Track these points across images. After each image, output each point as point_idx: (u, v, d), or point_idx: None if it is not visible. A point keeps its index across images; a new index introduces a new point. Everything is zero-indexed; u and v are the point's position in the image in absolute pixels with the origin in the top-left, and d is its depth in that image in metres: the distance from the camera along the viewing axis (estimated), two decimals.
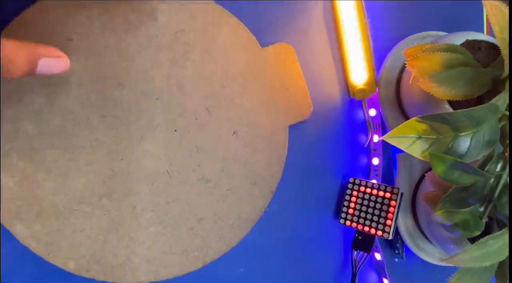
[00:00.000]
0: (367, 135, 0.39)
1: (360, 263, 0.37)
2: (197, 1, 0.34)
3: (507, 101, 0.27)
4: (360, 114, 0.40)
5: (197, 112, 0.34)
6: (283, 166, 0.36)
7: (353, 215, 0.37)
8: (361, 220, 0.36)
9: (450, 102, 0.31)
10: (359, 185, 0.37)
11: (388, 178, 0.40)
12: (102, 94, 0.32)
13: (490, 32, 0.34)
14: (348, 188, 0.37)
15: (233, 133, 0.34)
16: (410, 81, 0.34)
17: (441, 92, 0.28)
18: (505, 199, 0.28)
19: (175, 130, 0.33)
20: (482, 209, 0.28)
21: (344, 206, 0.37)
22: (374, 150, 0.39)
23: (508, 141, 0.28)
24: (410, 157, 0.27)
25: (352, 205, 0.37)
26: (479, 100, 0.30)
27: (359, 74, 0.38)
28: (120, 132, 0.32)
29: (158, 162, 0.33)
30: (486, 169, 0.28)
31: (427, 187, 0.37)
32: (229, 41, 0.34)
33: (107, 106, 0.32)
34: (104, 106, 0.32)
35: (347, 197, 0.37)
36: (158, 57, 0.33)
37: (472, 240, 0.30)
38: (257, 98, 0.35)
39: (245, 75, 0.35)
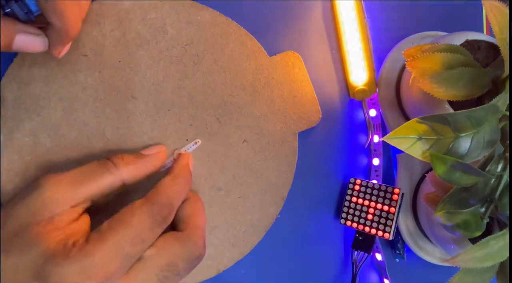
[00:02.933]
0: (367, 136, 0.39)
1: (360, 264, 0.37)
2: (203, 13, 0.34)
3: (508, 101, 0.27)
4: (360, 115, 0.40)
5: (207, 122, 0.34)
6: (294, 173, 0.36)
7: (353, 215, 0.37)
8: (362, 220, 0.36)
9: (451, 103, 0.31)
10: (360, 185, 0.37)
11: (388, 179, 0.40)
12: (116, 107, 0.33)
13: (490, 32, 0.34)
14: (348, 188, 0.37)
15: (243, 141, 0.35)
16: (410, 82, 0.34)
17: (442, 92, 0.28)
18: (506, 199, 0.28)
19: (187, 140, 0.34)
20: (483, 209, 0.28)
21: (344, 206, 0.37)
22: (375, 150, 0.39)
23: (508, 142, 0.28)
24: (411, 157, 0.27)
25: (352, 205, 0.37)
26: (480, 101, 0.30)
27: (359, 74, 0.38)
28: (133, 143, 0.33)
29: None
30: (486, 169, 0.28)
31: (427, 188, 0.37)
32: (237, 51, 0.35)
33: (121, 118, 0.33)
34: (118, 118, 0.33)
35: (347, 197, 0.37)
36: (169, 69, 0.34)
37: (473, 240, 0.30)
38: (266, 106, 0.35)
39: (254, 84, 0.35)
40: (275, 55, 0.36)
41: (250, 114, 0.35)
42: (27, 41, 0.27)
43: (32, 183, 0.26)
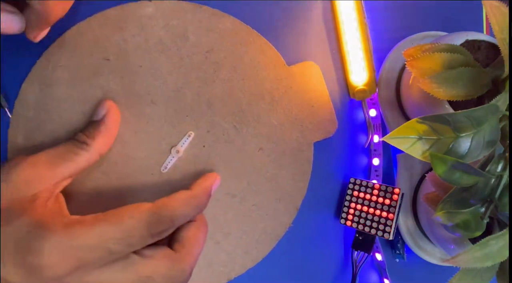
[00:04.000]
0: (367, 136, 0.39)
1: (360, 264, 0.37)
2: (224, 21, 0.35)
3: (507, 101, 0.27)
4: (360, 115, 0.40)
5: (225, 129, 0.34)
6: (308, 182, 0.36)
7: (353, 215, 0.37)
8: (362, 220, 0.36)
9: (451, 103, 0.31)
10: (360, 185, 0.37)
11: (388, 179, 0.40)
12: (135, 111, 0.33)
13: (490, 32, 0.34)
14: (348, 188, 0.37)
15: (259, 149, 0.35)
16: (410, 82, 0.34)
17: (442, 92, 0.28)
18: (506, 199, 0.28)
19: (204, 146, 0.34)
20: (483, 209, 0.28)
21: (344, 206, 0.37)
22: (375, 150, 0.39)
23: (508, 142, 0.28)
24: (411, 157, 0.27)
25: (352, 205, 0.37)
26: (480, 100, 0.30)
27: (359, 74, 0.38)
28: (151, 147, 0.33)
29: (187, 177, 0.34)
30: (487, 169, 0.28)
31: (427, 188, 0.37)
32: (256, 60, 0.35)
33: (140, 123, 0.33)
34: (137, 122, 0.33)
35: (347, 197, 0.37)
36: (189, 76, 0.34)
37: (473, 240, 0.30)
38: (283, 116, 0.36)
39: (272, 93, 0.35)
40: (294, 65, 0.36)
41: (267, 123, 0.35)
42: (4, 20, 0.25)
43: (6, 164, 0.26)
